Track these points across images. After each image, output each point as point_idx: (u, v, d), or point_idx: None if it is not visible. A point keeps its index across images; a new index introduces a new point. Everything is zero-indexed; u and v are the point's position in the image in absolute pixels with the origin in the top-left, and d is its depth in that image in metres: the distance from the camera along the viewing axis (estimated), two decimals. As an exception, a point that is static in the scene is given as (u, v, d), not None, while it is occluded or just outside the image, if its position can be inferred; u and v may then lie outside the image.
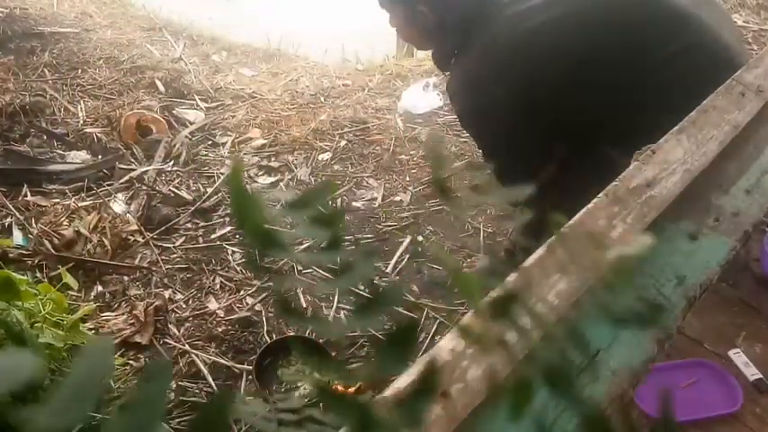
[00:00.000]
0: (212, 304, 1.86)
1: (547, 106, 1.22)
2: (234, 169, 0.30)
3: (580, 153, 1.16)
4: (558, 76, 1.18)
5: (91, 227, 1.99)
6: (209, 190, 2.25)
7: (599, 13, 1.20)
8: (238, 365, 1.68)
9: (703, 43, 1.17)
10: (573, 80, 1.18)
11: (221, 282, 1.93)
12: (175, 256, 2.00)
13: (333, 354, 1.67)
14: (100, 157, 2.34)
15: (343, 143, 2.54)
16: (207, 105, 2.70)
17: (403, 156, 2.49)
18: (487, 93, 1.23)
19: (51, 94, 2.61)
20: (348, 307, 1.87)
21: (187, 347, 1.72)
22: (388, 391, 0.46)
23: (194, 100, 2.72)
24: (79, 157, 2.34)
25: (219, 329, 1.78)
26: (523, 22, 1.20)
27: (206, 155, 2.44)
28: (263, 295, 1.89)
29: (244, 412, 0.41)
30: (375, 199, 2.27)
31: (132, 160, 2.35)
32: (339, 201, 2.27)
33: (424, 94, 2.78)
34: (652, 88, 1.15)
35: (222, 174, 2.33)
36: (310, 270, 1.98)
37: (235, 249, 2.04)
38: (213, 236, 2.08)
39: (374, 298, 0.30)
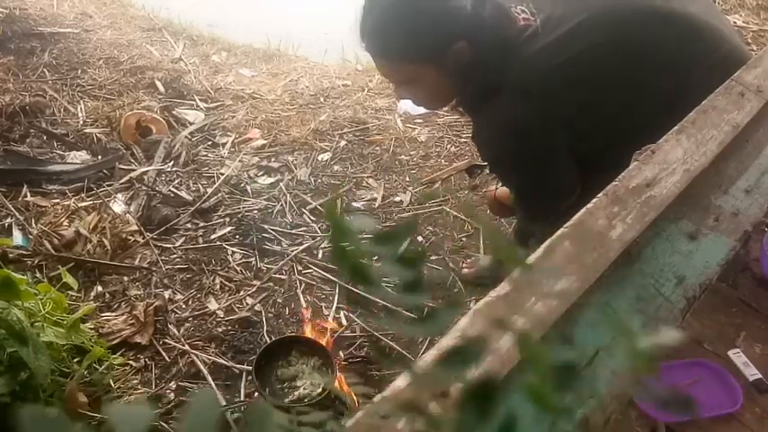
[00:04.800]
0: (212, 304, 1.86)
1: (591, 135, 1.22)
2: (330, 204, 0.31)
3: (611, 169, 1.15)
4: (604, 104, 1.18)
5: (91, 227, 1.99)
6: (209, 190, 2.25)
7: (636, 33, 1.18)
8: (238, 366, 1.68)
9: (731, 52, 1.18)
10: (618, 104, 1.18)
11: (221, 282, 1.93)
12: (175, 256, 2.00)
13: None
14: (100, 157, 2.34)
15: (342, 143, 2.54)
16: (207, 106, 2.70)
17: (403, 156, 2.49)
18: (533, 135, 1.18)
19: (51, 95, 2.61)
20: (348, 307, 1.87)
21: (187, 348, 1.72)
22: (388, 391, 0.46)
23: (194, 100, 2.72)
24: (79, 157, 2.34)
25: (219, 330, 1.78)
26: (560, 55, 1.14)
27: (206, 155, 2.44)
28: (263, 295, 1.89)
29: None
30: (375, 199, 2.27)
31: (132, 160, 2.36)
32: (339, 201, 2.27)
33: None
34: (689, 108, 1.15)
35: (222, 174, 2.33)
36: (310, 270, 1.98)
37: (235, 250, 2.04)
38: (213, 236, 2.08)
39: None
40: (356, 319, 1.83)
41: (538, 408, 0.28)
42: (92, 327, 1.67)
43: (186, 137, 2.49)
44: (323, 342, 1.68)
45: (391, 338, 1.77)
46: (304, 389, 1.60)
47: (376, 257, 0.32)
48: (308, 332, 1.74)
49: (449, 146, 2.54)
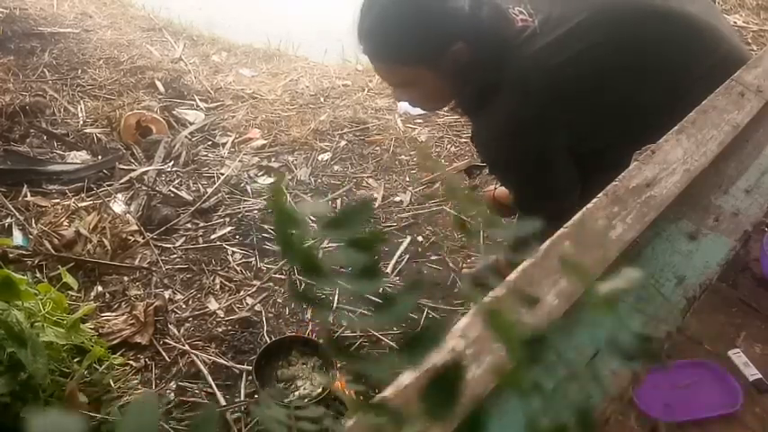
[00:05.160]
0: (212, 304, 1.86)
1: (590, 136, 1.22)
2: (276, 188, 0.29)
3: (611, 169, 1.15)
4: (603, 104, 1.18)
5: (91, 227, 1.99)
6: (210, 190, 2.25)
7: (635, 32, 1.18)
8: (238, 366, 1.68)
9: (731, 52, 1.18)
10: (617, 105, 1.18)
11: (221, 282, 1.93)
12: (175, 256, 2.00)
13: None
14: (100, 157, 2.34)
15: (342, 143, 2.54)
16: (207, 106, 2.70)
17: (403, 156, 2.49)
18: (532, 136, 1.18)
19: (51, 95, 2.61)
20: (348, 307, 1.87)
21: (187, 348, 1.72)
22: (389, 391, 0.46)
23: (194, 100, 2.72)
24: (79, 157, 2.34)
25: (219, 330, 1.78)
26: (559, 55, 1.14)
27: (206, 155, 2.44)
28: (263, 295, 1.89)
29: (264, 417, 0.40)
30: (375, 199, 2.27)
31: (132, 160, 2.35)
32: (339, 201, 2.27)
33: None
34: (689, 108, 1.15)
35: (222, 174, 2.33)
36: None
37: (235, 250, 2.04)
38: (213, 236, 2.08)
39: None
40: (355, 318, 1.83)
41: (505, 386, 0.27)
42: (92, 327, 1.67)
43: (186, 137, 2.49)
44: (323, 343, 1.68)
45: (391, 339, 1.77)
46: (304, 389, 1.60)
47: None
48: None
49: (449, 146, 2.54)
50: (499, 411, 0.46)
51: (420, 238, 2.12)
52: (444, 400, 0.27)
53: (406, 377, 0.47)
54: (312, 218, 0.30)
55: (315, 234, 0.30)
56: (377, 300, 0.30)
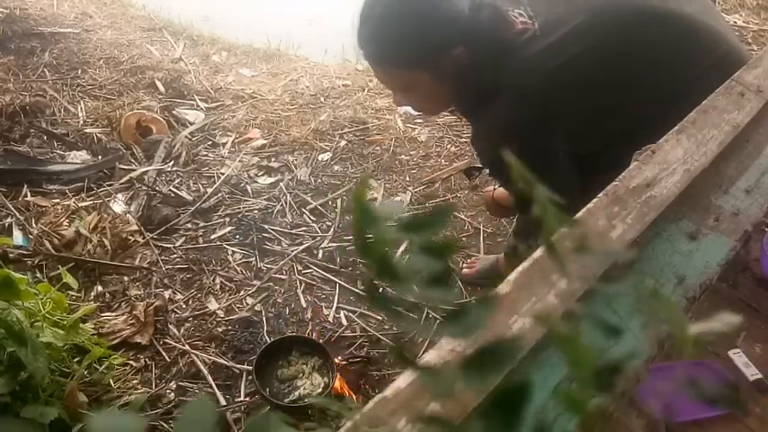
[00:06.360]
0: (212, 304, 1.86)
1: (590, 136, 1.22)
2: (357, 189, 0.27)
3: (611, 169, 1.16)
4: (602, 105, 1.18)
5: (91, 227, 1.99)
6: (210, 190, 2.25)
7: (634, 33, 1.18)
8: (238, 366, 1.68)
9: (730, 52, 1.18)
10: (617, 105, 1.18)
11: (221, 282, 1.93)
12: (175, 256, 2.00)
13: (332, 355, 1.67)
14: (100, 157, 2.34)
15: (343, 143, 2.54)
16: (207, 105, 2.70)
17: (403, 156, 2.49)
18: (531, 138, 1.17)
19: (51, 95, 2.61)
20: (348, 307, 1.87)
21: (187, 347, 1.72)
22: (389, 391, 0.46)
23: (194, 100, 2.72)
24: (79, 157, 2.34)
25: (219, 330, 1.78)
26: (558, 57, 1.13)
27: (206, 155, 2.44)
28: (263, 295, 1.89)
29: None
30: (375, 199, 2.27)
31: (132, 160, 2.35)
32: (339, 201, 2.27)
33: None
34: (688, 108, 1.15)
35: (222, 174, 2.33)
36: (310, 270, 1.98)
37: (235, 249, 2.04)
38: (213, 236, 2.08)
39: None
40: (356, 319, 1.83)
41: (571, 413, 0.26)
42: (92, 327, 1.67)
43: (186, 137, 2.49)
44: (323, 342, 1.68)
45: (391, 338, 1.77)
46: (304, 389, 1.60)
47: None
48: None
49: (449, 146, 2.55)
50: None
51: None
52: (508, 423, 0.26)
53: (402, 380, 0.47)
54: (390, 219, 0.29)
55: (393, 235, 0.28)
56: (448, 310, 0.28)
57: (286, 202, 2.23)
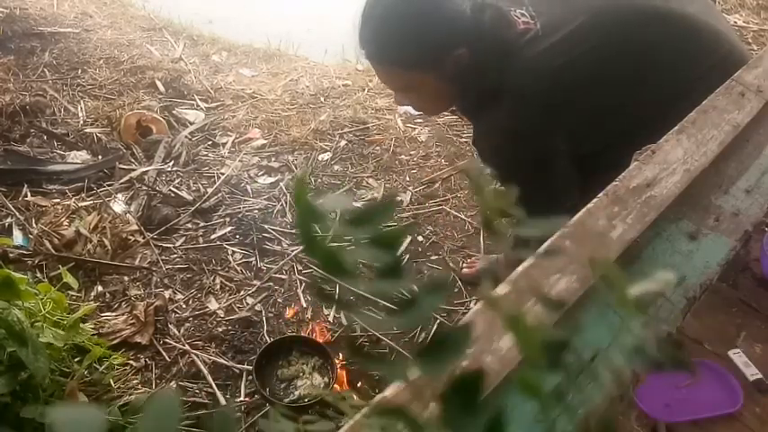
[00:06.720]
0: (212, 304, 1.86)
1: (590, 136, 1.22)
2: (298, 183, 0.27)
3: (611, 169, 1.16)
4: (603, 105, 1.18)
5: (91, 227, 1.99)
6: (210, 190, 2.25)
7: (635, 33, 1.18)
8: (238, 365, 1.68)
9: (731, 52, 1.18)
10: (618, 105, 1.19)
11: (221, 282, 1.93)
12: (175, 256, 2.00)
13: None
14: (100, 157, 2.34)
15: (343, 143, 2.54)
16: (207, 105, 2.70)
17: (403, 156, 2.49)
18: (533, 138, 1.18)
19: (51, 94, 2.61)
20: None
21: (187, 347, 1.72)
22: (389, 391, 0.46)
23: (194, 100, 2.72)
24: (79, 157, 2.34)
25: (219, 329, 1.78)
26: (559, 58, 1.14)
27: (206, 155, 2.44)
28: (264, 295, 1.89)
29: (273, 430, 0.39)
30: (375, 199, 2.27)
31: (132, 160, 2.35)
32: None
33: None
34: (688, 108, 1.15)
35: (222, 174, 2.33)
36: (310, 270, 1.98)
37: (235, 249, 2.04)
38: (213, 236, 2.08)
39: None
40: (356, 319, 1.83)
41: (526, 395, 0.26)
42: (92, 327, 1.67)
43: (186, 137, 2.49)
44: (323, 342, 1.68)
45: (391, 338, 1.77)
46: (304, 389, 1.60)
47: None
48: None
49: (449, 146, 2.54)
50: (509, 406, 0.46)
51: (420, 238, 2.12)
52: (465, 407, 0.26)
53: (390, 390, 0.46)
54: (334, 213, 0.29)
55: (336, 230, 0.28)
56: (396, 300, 0.28)
57: (286, 202, 2.23)
